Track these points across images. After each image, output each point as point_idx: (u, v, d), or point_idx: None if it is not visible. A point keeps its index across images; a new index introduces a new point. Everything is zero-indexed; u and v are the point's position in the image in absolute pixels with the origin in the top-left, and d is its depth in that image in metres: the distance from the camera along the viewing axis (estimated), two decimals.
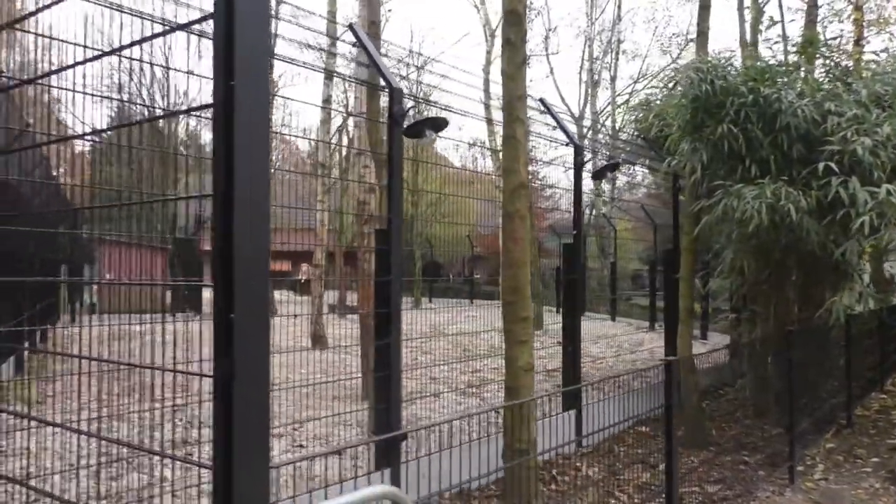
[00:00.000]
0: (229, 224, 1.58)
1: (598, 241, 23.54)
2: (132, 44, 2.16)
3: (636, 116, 10.03)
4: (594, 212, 22.68)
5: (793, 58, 10.03)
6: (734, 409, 8.52)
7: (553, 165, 20.89)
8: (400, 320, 4.67)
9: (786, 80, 6.75)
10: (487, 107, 19.70)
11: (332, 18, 11.59)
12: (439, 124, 4.74)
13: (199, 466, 4.07)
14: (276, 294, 27.53)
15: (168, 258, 22.99)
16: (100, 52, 2.47)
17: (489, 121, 19.00)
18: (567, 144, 6.63)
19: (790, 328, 6.23)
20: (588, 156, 10.08)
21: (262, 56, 1.65)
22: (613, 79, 23.98)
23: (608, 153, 8.80)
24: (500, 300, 8.73)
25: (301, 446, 6.20)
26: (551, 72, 25.94)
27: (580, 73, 24.74)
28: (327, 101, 14.23)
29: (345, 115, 19.17)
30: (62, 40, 2.73)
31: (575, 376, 6.73)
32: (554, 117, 6.71)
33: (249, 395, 1.59)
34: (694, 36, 7.93)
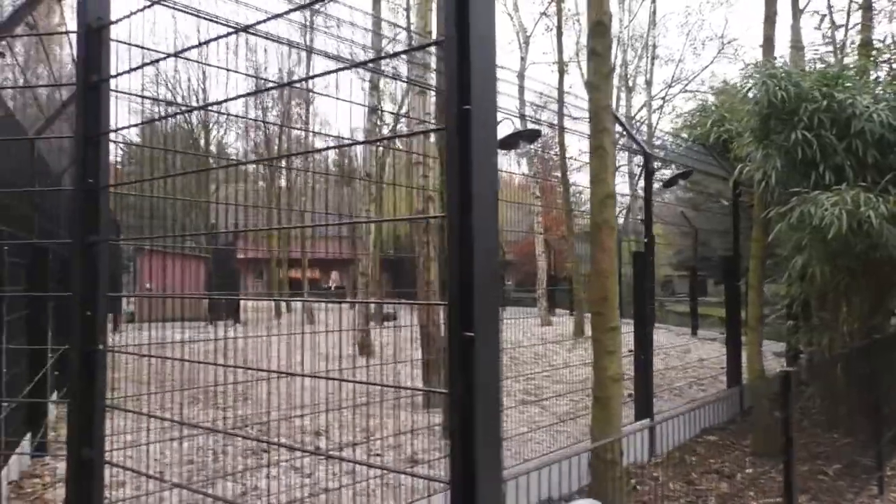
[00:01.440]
0: (468, 244, 1.62)
1: (629, 246, 23.34)
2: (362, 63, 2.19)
3: (689, 122, 9.97)
4: (630, 216, 22.56)
5: (846, 61, 9.92)
6: (800, 417, 8.39)
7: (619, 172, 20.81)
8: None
9: (858, 84, 6.68)
10: (523, 116, 19.76)
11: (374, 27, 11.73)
12: (533, 136, 4.75)
13: (437, 482, 4.16)
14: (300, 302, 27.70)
15: (208, 267, 23.28)
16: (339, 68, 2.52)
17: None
18: (637, 153, 6.62)
19: (877, 336, 6.15)
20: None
21: (492, 80, 1.69)
22: (649, 83, 23.91)
23: (665, 159, 8.71)
24: (531, 307, 8.70)
25: (378, 455, 6.24)
26: (583, 77, 25.82)
27: (614, 78, 24.63)
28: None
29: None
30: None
31: (647, 385, 6.69)
32: (622, 125, 6.70)
33: (487, 410, 1.62)
34: (729, 39, 7.86)
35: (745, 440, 7.50)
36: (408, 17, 15.56)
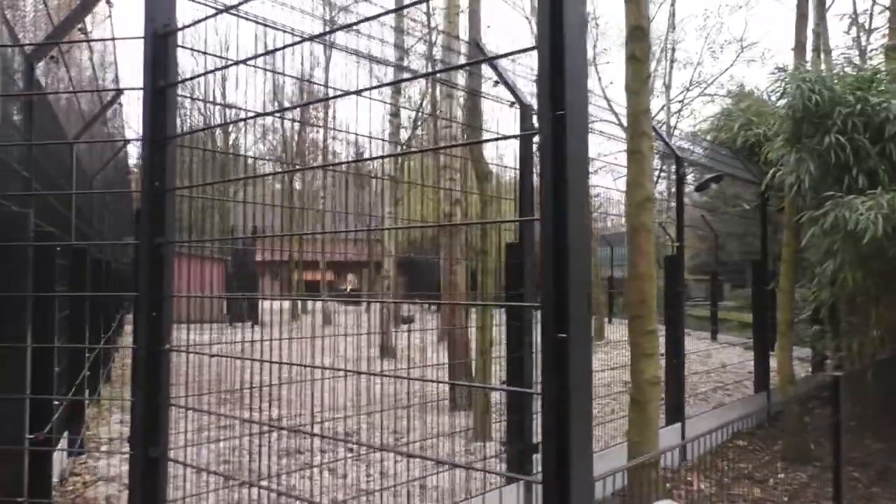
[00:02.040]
0: (563, 249, 1.66)
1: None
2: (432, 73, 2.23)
3: (715, 125, 9.94)
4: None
5: (870, 64, 9.86)
6: (829, 423, 8.35)
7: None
8: (532, 333, 4.71)
9: (892, 88, 6.65)
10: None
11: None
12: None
13: (531, 482, 4.21)
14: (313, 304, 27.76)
15: (226, 269, 23.44)
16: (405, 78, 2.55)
17: None
18: (668, 156, 6.62)
19: None
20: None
21: (584, 85, 1.72)
22: (668, 87, 23.84)
23: (697, 163, 8.66)
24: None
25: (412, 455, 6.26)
26: (599, 81, 25.79)
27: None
28: None
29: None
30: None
31: (679, 389, 6.69)
32: (654, 129, 6.70)
33: (580, 411, 1.66)
34: (748, 43, 7.82)
35: (774, 445, 7.48)
36: (428, 22, 15.60)
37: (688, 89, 24.26)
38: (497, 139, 4.95)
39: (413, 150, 14.34)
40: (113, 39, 3.99)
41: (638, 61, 4.90)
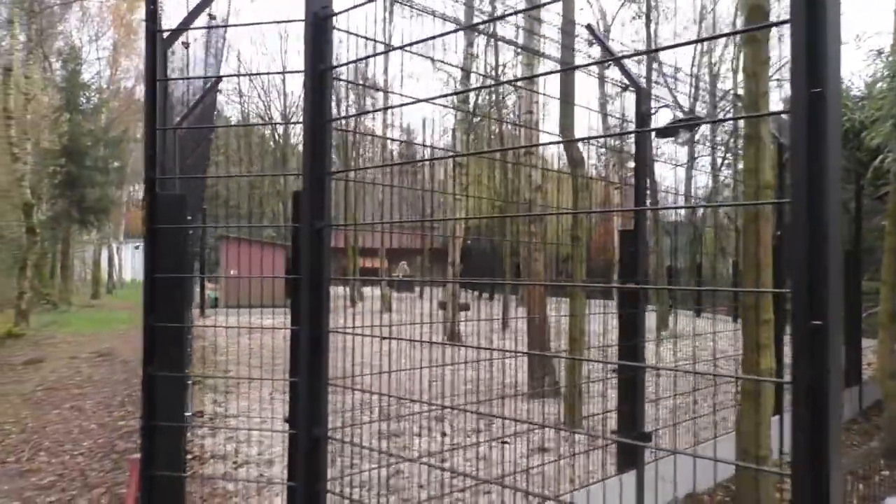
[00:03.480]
0: (820, 232, 1.59)
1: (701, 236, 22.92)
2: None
3: None
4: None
5: None
6: None
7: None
8: (644, 322, 4.64)
9: None
10: (604, 104, 19.62)
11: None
12: (692, 124, 4.67)
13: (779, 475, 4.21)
14: (369, 290, 27.99)
15: (287, 254, 23.79)
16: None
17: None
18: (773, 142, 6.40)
19: None
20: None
21: (838, 62, 1.65)
22: (735, 71, 23.12)
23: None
24: (598, 299, 8.55)
25: (506, 442, 6.25)
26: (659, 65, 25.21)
27: (693, 65, 24.01)
28: None
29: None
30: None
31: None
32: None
33: (835, 399, 1.59)
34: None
35: (871, 440, 7.25)
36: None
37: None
38: (743, 118, 4.78)
39: (578, 138, 14.31)
40: (276, 22, 4.02)
41: (757, 43, 4.74)
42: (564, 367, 7.69)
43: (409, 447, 6.08)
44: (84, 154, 22.94)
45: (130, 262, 51.09)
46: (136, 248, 54.24)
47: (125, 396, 8.42)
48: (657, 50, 10.61)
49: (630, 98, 4.75)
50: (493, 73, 16.35)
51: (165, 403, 2.98)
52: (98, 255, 30.86)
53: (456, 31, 3.58)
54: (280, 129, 29.93)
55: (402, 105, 2.71)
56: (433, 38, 2.86)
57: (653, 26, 20.97)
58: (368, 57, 2.89)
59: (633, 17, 19.02)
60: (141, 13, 33.57)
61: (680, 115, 5.17)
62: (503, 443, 5.97)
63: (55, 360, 11.55)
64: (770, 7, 4.80)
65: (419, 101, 2.91)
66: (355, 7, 2.97)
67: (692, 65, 24.40)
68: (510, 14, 3.57)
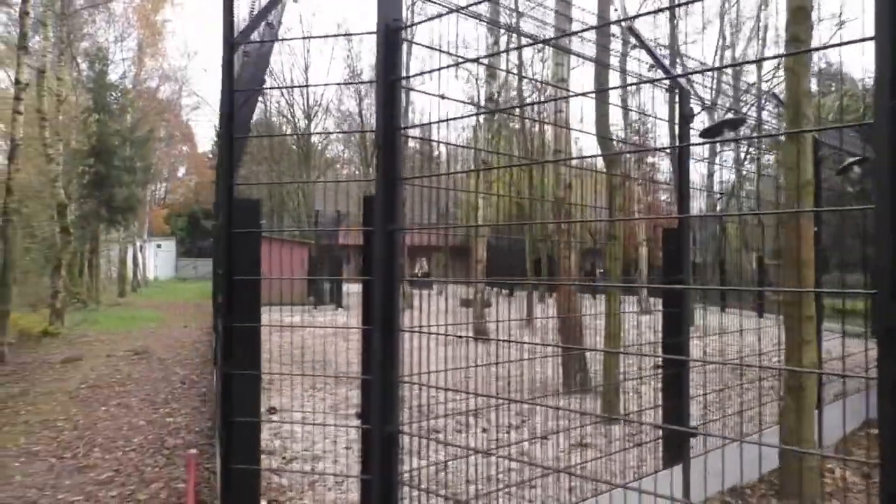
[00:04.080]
0: None
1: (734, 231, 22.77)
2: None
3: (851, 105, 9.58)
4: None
5: None
6: None
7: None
8: (688, 319, 4.72)
9: None
10: (625, 100, 19.61)
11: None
12: (737, 124, 4.73)
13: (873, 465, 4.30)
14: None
15: (310, 253, 24.03)
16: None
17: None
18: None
19: None
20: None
21: None
22: (760, 67, 23.03)
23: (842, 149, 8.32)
24: (625, 296, 8.59)
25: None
26: (681, 60, 25.12)
27: (715, 61, 23.90)
28: None
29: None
30: None
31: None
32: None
33: None
34: (845, 19, 7.47)
35: None
36: None
37: (777, 67, 23.31)
38: (822, 129, 4.86)
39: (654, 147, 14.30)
40: (347, 35, 4.12)
41: (800, 42, 4.80)
42: (602, 365, 7.77)
43: (453, 442, 6.19)
44: (112, 154, 23.27)
45: (153, 260, 51.71)
46: (158, 246, 54.91)
47: (167, 394, 8.62)
48: (722, 67, 10.58)
49: (649, 93, 4.82)
50: (519, 70, 16.43)
51: (242, 400, 3.12)
52: (124, 253, 31.33)
53: (522, 46, 3.62)
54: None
55: (473, 115, 2.80)
56: (505, 51, 2.95)
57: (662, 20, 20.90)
58: (439, 69, 2.98)
59: (655, 12, 18.94)
60: (165, 14, 33.85)
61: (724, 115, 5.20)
62: (544, 438, 6.07)
63: (93, 359, 11.81)
64: (812, 7, 4.84)
65: (496, 111, 3.01)
66: (425, 21, 3.09)
67: (714, 59, 24.32)
68: (584, 30, 3.64)
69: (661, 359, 4.93)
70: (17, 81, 12.22)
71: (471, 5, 3.04)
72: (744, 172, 23.08)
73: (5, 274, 11.85)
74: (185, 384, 9.27)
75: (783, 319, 5.00)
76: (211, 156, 62.96)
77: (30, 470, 5.62)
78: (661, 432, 4.93)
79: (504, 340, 2.68)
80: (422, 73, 2.95)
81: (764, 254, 21.62)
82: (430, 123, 2.76)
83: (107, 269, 29.99)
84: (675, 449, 4.68)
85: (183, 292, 35.05)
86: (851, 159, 6.05)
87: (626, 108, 18.58)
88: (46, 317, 15.93)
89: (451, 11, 3.02)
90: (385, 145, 2.86)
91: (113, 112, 24.75)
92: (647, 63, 4.89)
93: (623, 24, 4.72)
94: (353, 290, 27.43)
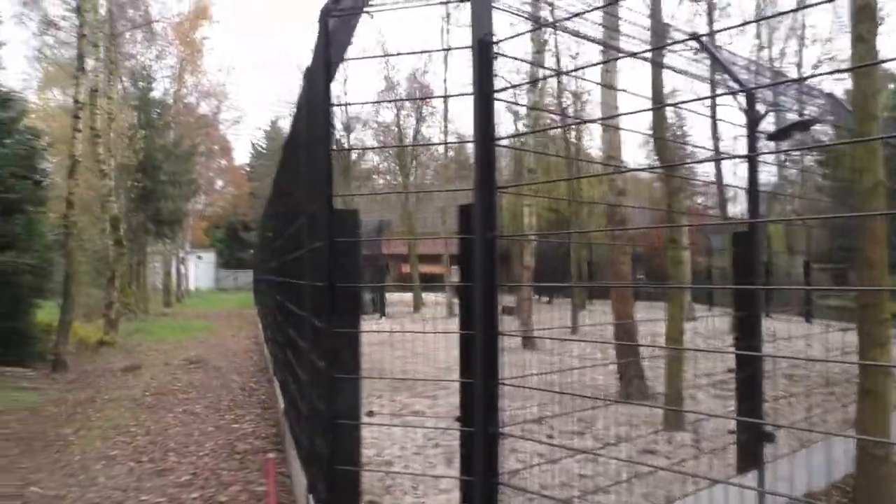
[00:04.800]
0: None
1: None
2: None
3: None
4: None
5: None
6: None
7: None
8: (761, 321, 4.73)
9: None
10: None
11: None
12: (805, 126, 4.75)
13: None
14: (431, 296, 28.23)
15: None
16: None
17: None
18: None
19: None
20: None
21: None
22: (799, 65, 22.74)
23: None
24: (665, 301, 8.53)
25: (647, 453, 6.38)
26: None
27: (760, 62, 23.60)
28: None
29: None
30: None
31: None
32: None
33: None
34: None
35: None
36: None
37: (816, 66, 22.98)
38: None
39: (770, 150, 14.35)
40: (444, 50, 4.26)
41: (865, 43, 4.79)
42: (653, 371, 7.76)
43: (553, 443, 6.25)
44: (157, 169, 23.89)
45: (194, 272, 52.69)
46: (199, 258, 55.95)
47: (229, 401, 8.83)
48: (801, 80, 10.54)
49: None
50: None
51: (345, 403, 3.23)
52: (169, 265, 32.04)
53: (618, 57, 3.73)
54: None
55: (567, 126, 2.88)
56: (600, 63, 3.03)
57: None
58: (532, 82, 3.07)
59: (693, 15, 18.87)
60: (203, 32, 34.58)
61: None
62: (612, 445, 6.10)
63: (151, 367, 12.13)
64: (876, 5, 4.83)
65: (586, 122, 3.10)
66: (518, 35, 3.19)
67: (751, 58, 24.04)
68: (686, 39, 3.72)
69: (734, 363, 4.93)
70: (76, 101, 12.67)
71: (561, 21, 3.12)
72: (787, 174, 22.77)
73: (67, 285, 12.25)
74: (245, 391, 9.49)
75: (857, 323, 4.97)
76: (248, 168, 64.09)
77: (111, 473, 5.84)
78: (730, 438, 4.93)
79: (611, 342, 2.75)
80: (516, 86, 3.04)
81: (809, 257, 21.24)
82: (523, 134, 2.83)
83: (152, 281, 30.68)
84: (749, 455, 4.68)
85: (224, 302, 35.68)
86: (794, 120, 5.36)
87: (675, 107, 18.46)
88: (101, 327, 16.39)
89: (539, 27, 3.12)
90: (482, 156, 2.96)
91: (157, 128, 25.40)
92: (695, 60, 4.91)
93: (696, 39, 4.76)
94: (392, 299, 27.68)
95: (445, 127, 25.07)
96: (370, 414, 7.07)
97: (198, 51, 32.15)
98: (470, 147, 3.07)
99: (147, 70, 25.81)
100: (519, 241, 14.94)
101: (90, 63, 17.35)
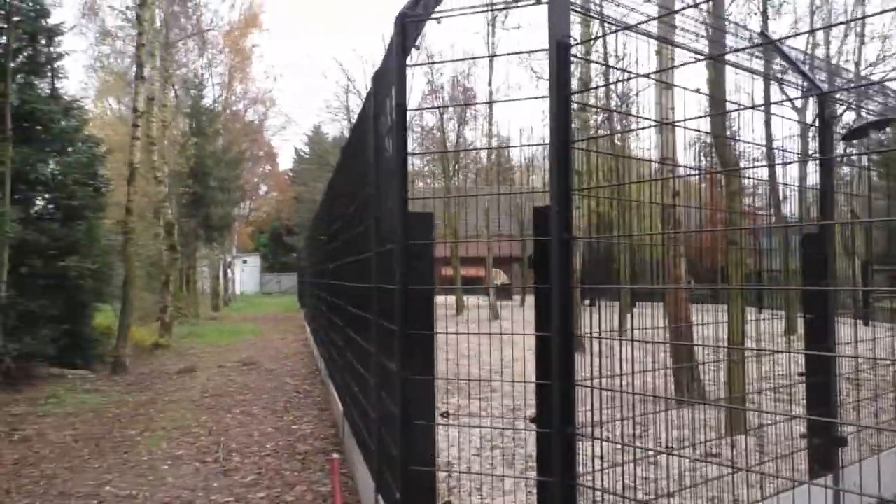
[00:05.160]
0: None
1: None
2: None
3: None
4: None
5: None
6: None
7: None
8: (834, 324, 4.62)
9: None
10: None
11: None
12: (882, 125, 4.63)
13: None
14: (473, 299, 28.21)
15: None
16: None
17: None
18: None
19: None
20: None
21: None
22: (857, 64, 22.09)
23: None
24: (711, 304, 8.32)
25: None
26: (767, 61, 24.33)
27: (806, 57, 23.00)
28: None
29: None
30: None
31: None
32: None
33: None
34: None
35: None
36: None
37: (874, 65, 22.32)
38: None
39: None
40: (519, 53, 4.30)
41: None
42: (726, 374, 7.61)
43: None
44: (208, 175, 24.43)
45: (239, 276, 53.69)
46: (244, 262, 57.02)
47: (285, 403, 8.97)
48: (871, 83, 10.30)
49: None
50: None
51: (419, 404, 3.27)
52: (217, 270, 32.71)
53: (696, 61, 3.70)
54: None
55: (647, 126, 2.85)
56: (676, 66, 3.04)
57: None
58: (608, 84, 3.07)
59: (749, 14, 18.51)
60: (253, 39, 35.24)
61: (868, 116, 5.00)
62: (671, 449, 6.02)
63: (206, 370, 12.40)
64: None
65: (668, 122, 3.09)
66: (596, 39, 3.19)
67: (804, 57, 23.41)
68: (758, 45, 3.67)
69: (804, 367, 4.83)
70: (135, 109, 13.06)
71: (640, 23, 3.11)
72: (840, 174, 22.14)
73: (126, 290, 12.61)
74: (300, 394, 9.63)
75: None
76: (291, 173, 65.07)
77: (179, 473, 5.98)
78: (802, 443, 4.82)
79: (695, 344, 2.73)
80: (594, 88, 3.05)
81: (871, 259, 20.57)
82: (599, 136, 2.85)
83: (201, 285, 31.35)
84: (822, 459, 4.57)
85: (270, 306, 36.26)
86: (870, 119, 5.01)
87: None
88: (156, 330, 16.82)
89: (618, 29, 3.11)
90: (559, 159, 2.96)
91: (208, 135, 25.98)
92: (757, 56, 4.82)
93: (771, 42, 4.69)
94: (442, 301, 27.70)
95: (490, 130, 25.03)
96: (445, 415, 7.10)
97: (247, 58, 32.81)
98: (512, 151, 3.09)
99: (199, 78, 26.46)
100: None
101: (146, 71, 17.89)
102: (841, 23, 23.44)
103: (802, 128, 4.57)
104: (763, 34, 4.89)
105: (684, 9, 3.19)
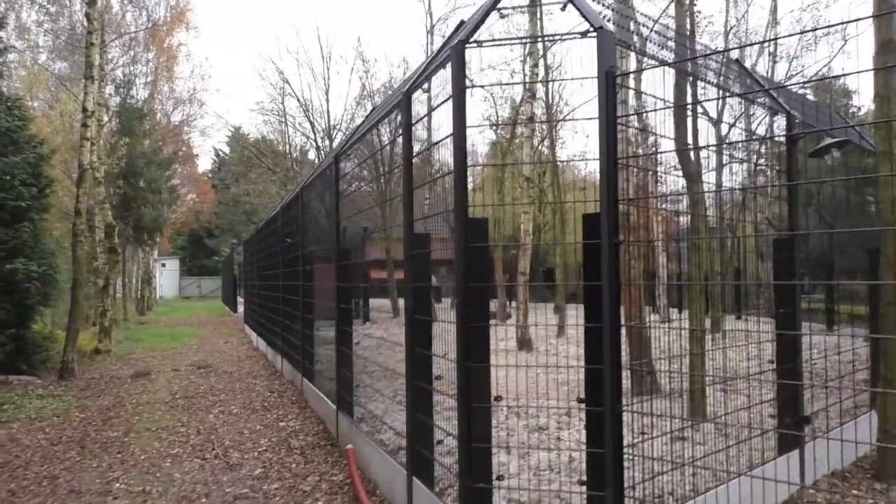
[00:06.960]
0: None
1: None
2: None
3: None
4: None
5: None
6: None
7: None
8: (801, 318, 5.30)
9: None
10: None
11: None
12: (843, 145, 5.35)
13: None
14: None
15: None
16: None
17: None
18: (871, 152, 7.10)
19: None
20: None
21: None
22: (770, 80, 23.82)
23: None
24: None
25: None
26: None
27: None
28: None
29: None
30: None
31: None
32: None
33: None
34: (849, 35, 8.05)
35: None
36: None
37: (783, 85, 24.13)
38: None
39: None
40: (571, 80, 4.69)
41: (891, 72, 5.43)
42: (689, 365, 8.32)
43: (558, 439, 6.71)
44: (139, 175, 23.80)
45: (159, 279, 51.98)
46: (163, 265, 55.21)
47: (261, 402, 9.11)
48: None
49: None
50: None
51: (478, 389, 3.67)
52: (144, 273, 31.75)
53: (741, 94, 4.20)
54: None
55: (686, 148, 3.28)
56: (713, 99, 3.55)
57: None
58: (650, 111, 3.57)
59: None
60: (180, 37, 34.30)
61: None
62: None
63: (161, 373, 12.27)
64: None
65: (697, 147, 3.60)
66: (640, 70, 3.68)
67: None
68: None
69: (774, 356, 5.50)
70: (85, 110, 12.76)
71: (676, 62, 3.61)
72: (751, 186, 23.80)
73: (75, 293, 12.31)
74: (273, 393, 9.77)
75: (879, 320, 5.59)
76: (210, 175, 63.43)
77: (184, 469, 6.12)
78: (771, 424, 5.50)
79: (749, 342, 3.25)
80: (637, 114, 3.52)
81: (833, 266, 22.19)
82: (646, 155, 3.33)
83: (129, 289, 30.35)
84: (788, 438, 5.25)
85: (196, 310, 35.44)
86: (829, 141, 5.90)
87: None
88: (94, 335, 16.35)
89: (661, 64, 3.61)
90: (608, 173, 3.44)
91: (138, 135, 25.28)
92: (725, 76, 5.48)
93: (737, 62, 5.35)
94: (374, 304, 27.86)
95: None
96: (497, 399, 7.43)
97: (173, 57, 32.01)
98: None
99: (128, 77, 25.69)
100: (516, 248, 15.47)
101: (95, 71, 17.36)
102: (755, 43, 25.23)
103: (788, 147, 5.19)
104: (738, 61, 5.56)
105: (709, 54, 3.72)
